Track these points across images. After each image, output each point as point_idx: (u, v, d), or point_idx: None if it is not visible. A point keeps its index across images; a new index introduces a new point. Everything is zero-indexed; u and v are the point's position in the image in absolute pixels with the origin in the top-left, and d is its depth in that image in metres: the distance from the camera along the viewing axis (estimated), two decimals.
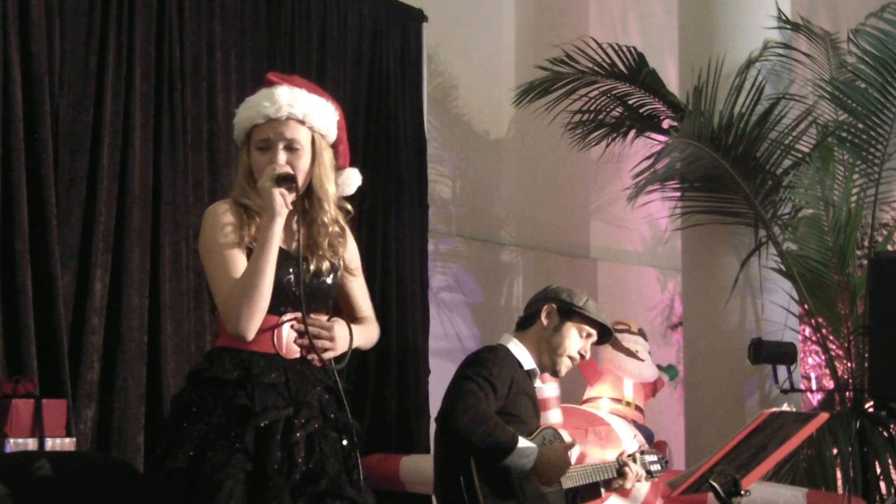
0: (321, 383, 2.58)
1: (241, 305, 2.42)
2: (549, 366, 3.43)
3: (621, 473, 3.37)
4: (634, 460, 3.42)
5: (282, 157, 2.55)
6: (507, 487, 3.13)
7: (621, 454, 3.45)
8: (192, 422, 2.43)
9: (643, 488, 4.07)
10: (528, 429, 3.30)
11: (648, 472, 3.46)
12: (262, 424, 2.41)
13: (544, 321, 3.43)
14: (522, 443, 3.13)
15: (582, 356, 3.45)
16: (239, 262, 2.49)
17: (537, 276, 6.58)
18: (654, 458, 3.50)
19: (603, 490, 3.39)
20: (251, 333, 2.45)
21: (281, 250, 2.52)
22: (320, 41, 5.18)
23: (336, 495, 2.44)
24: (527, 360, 3.41)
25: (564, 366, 3.44)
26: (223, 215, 2.54)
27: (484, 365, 3.25)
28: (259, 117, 2.59)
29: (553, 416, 4.11)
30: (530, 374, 3.42)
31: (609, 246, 7.01)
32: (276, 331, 2.53)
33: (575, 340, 3.43)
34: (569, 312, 3.43)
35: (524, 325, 3.49)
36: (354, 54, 5.36)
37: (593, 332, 3.46)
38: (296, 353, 2.55)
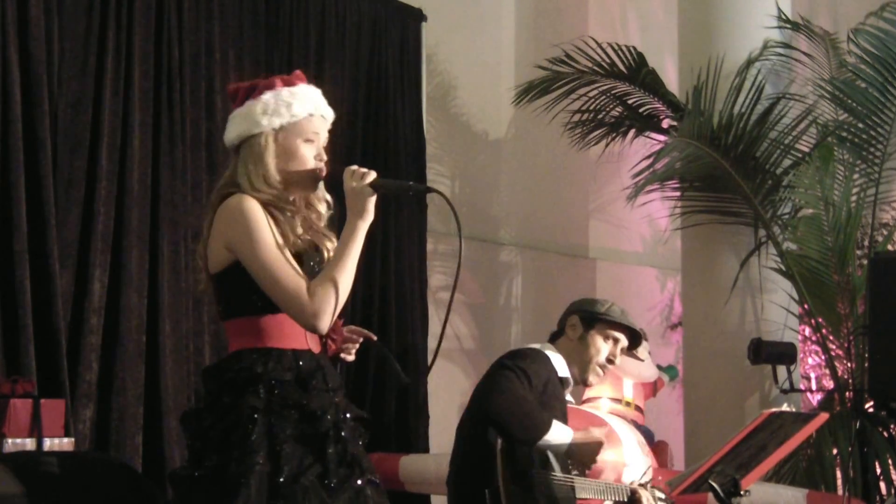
0: (338, 376, 2.60)
1: (331, 303, 2.39)
2: (577, 375, 3.43)
3: (633, 500, 3.35)
4: (645, 488, 3.40)
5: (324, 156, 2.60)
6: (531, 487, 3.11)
7: (633, 482, 3.43)
8: (255, 426, 2.36)
9: None
10: None
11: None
12: (327, 426, 2.41)
13: (570, 333, 3.44)
14: (557, 424, 3.14)
15: (611, 361, 3.44)
16: (291, 260, 2.43)
17: (536, 275, 6.57)
18: (663, 496, 3.47)
19: None
20: (326, 330, 2.45)
21: (314, 248, 2.54)
22: (319, 41, 5.17)
23: (371, 483, 2.49)
24: (562, 368, 3.40)
25: (593, 374, 3.43)
26: (259, 210, 2.45)
27: (522, 357, 3.26)
28: (316, 111, 2.59)
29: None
30: (563, 382, 3.42)
31: (608, 246, 7.01)
32: None
33: (601, 347, 3.42)
34: (592, 320, 3.43)
35: (555, 337, 3.50)
36: (353, 54, 5.35)
37: (620, 336, 3.45)
38: (318, 347, 2.55)
